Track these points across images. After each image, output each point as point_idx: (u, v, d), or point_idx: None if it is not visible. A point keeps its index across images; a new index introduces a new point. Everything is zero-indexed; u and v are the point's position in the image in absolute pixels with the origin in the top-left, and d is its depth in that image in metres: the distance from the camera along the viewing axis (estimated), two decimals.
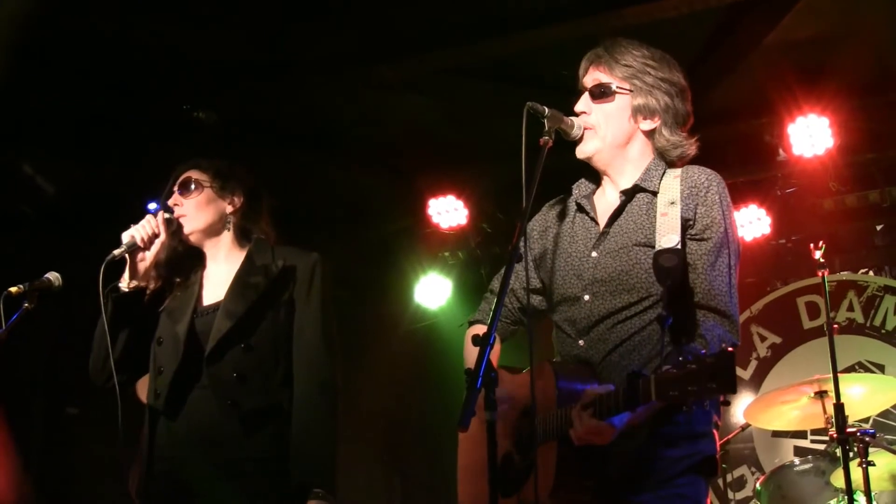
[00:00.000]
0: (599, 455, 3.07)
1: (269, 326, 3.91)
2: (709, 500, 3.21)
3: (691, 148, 3.37)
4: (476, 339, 2.76)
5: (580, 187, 3.45)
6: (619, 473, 3.10)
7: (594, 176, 3.44)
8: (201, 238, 4.07)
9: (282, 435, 3.80)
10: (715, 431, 3.21)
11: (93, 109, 6.63)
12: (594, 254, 3.28)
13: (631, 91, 3.30)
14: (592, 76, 3.36)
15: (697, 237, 3.15)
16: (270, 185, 4.34)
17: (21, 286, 3.89)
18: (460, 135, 7.27)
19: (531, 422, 3.16)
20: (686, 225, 3.15)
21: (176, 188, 4.08)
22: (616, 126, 3.31)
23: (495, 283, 3.64)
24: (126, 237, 3.89)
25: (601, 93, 3.31)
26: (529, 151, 3.09)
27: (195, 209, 4.04)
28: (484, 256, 8.31)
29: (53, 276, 4.01)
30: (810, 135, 6.70)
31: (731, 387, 2.60)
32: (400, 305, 8.60)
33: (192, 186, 4.06)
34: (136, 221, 3.99)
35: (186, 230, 4.03)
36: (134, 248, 3.88)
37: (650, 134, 3.33)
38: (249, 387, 3.82)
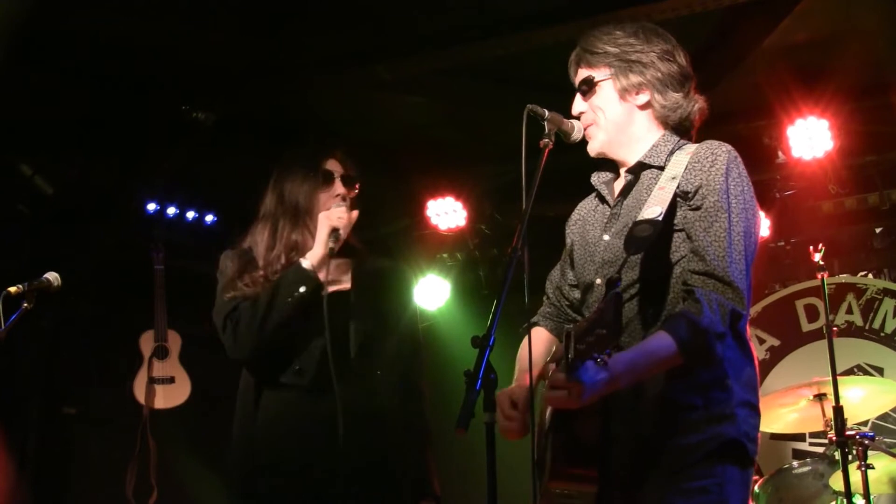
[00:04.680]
0: (602, 442, 3.00)
1: (385, 330, 4.06)
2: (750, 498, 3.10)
3: (693, 105, 3.32)
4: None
5: (599, 175, 3.42)
6: (627, 463, 3.03)
7: (612, 165, 3.41)
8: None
9: (383, 438, 3.90)
10: (741, 412, 3.02)
11: (91, 110, 6.62)
12: (606, 237, 3.24)
13: (612, 75, 3.28)
14: (578, 76, 3.37)
15: (693, 206, 3.07)
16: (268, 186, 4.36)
17: (20, 286, 3.91)
18: (459, 136, 7.28)
19: (531, 414, 3.15)
20: (685, 198, 3.08)
21: (339, 178, 4.11)
22: (611, 112, 3.29)
23: (549, 288, 3.61)
24: (334, 233, 3.97)
25: (586, 88, 3.31)
26: (529, 154, 3.09)
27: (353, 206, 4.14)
28: (482, 258, 8.32)
29: (52, 276, 4.04)
30: (809, 137, 6.69)
31: (614, 329, 2.55)
32: None
33: (358, 182, 4.14)
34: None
35: (343, 225, 4.06)
36: (338, 239, 3.99)
37: (647, 106, 3.29)
38: (376, 384, 3.94)
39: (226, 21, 5.85)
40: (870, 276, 7.57)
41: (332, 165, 4.14)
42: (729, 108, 6.77)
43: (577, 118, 3.33)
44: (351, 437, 3.77)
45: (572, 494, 3.05)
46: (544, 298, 3.63)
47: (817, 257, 5.49)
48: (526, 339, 3.49)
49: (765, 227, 7.34)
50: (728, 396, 3.02)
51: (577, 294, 3.45)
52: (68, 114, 6.65)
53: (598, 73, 3.29)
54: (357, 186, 4.15)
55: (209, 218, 7.93)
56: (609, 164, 3.42)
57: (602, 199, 3.38)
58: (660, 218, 2.95)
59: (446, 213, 7.84)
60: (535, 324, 3.58)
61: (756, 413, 3.09)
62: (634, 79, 3.26)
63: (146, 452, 7.23)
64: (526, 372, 3.25)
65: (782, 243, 7.70)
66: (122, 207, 7.71)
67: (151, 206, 7.72)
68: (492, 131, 6.72)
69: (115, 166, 7.28)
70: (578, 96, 3.34)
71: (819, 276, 5.51)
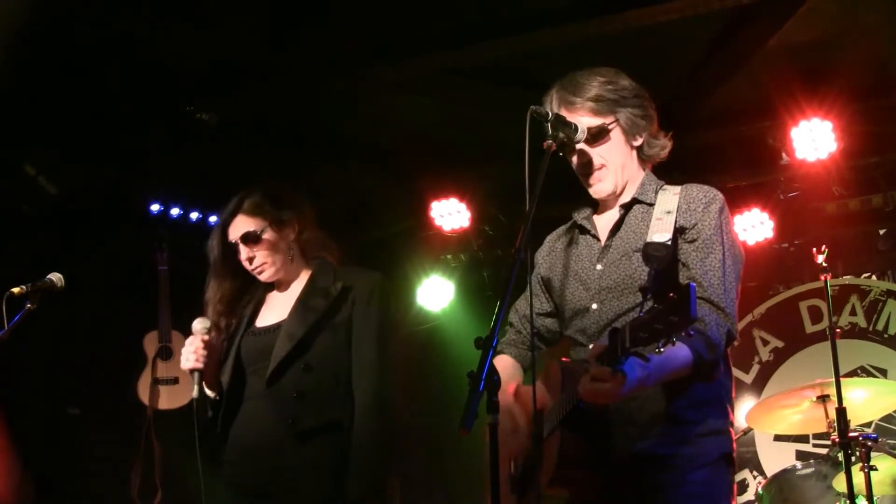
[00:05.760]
0: (604, 448, 3.13)
1: (328, 346, 4.04)
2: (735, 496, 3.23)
3: (669, 142, 3.49)
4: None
5: (580, 211, 3.54)
6: (626, 469, 3.13)
7: (590, 197, 3.51)
8: (278, 274, 4.17)
9: (340, 449, 3.92)
10: (731, 430, 3.25)
11: (94, 109, 6.63)
12: (599, 266, 3.36)
13: (617, 121, 3.36)
14: (575, 122, 3.37)
15: (689, 239, 3.24)
16: None
17: (23, 287, 3.92)
18: (463, 137, 7.27)
19: (538, 419, 3.23)
20: (681, 232, 3.24)
21: (239, 241, 4.12)
22: (620, 157, 3.40)
23: (514, 317, 3.74)
24: (194, 374, 3.99)
25: (596, 136, 3.36)
26: (532, 155, 3.11)
27: (270, 255, 4.13)
28: (486, 259, 8.32)
29: (56, 276, 4.05)
30: (813, 139, 6.69)
31: (688, 316, 2.59)
32: (402, 308, 8.59)
33: (261, 236, 4.11)
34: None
35: (267, 277, 4.15)
36: (203, 376, 4.00)
37: (639, 148, 3.44)
38: (309, 405, 3.96)
39: (230, 22, 5.85)
40: (873, 277, 7.56)
41: (235, 227, 4.16)
42: (733, 110, 6.78)
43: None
44: (257, 463, 3.97)
45: (564, 498, 3.13)
46: (507, 327, 3.75)
47: (820, 259, 5.48)
48: (497, 360, 3.58)
49: (768, 228, 7.34)
50: (722, 414, 3.24)
51: (546, 322, 3.63)
52: (72, 114, 6.65)
53: (608, 121, 3.36)
54: (266, 235, 4.12)
55: (213, 219, 7.93)
56: (588, 199, 3.52)
57: (583, 231, 3.49)
58: (669, 242, 3.14)
59: (450, 214, 7.85)
60: (500, 352, 3.69)
61: (732, 430, 3.30)
62: (639, 122, 3.40)
63: (150, 453, 7.24)
64: (508, 383, 3.40)
65: (786, 245, 7.69)
66: (125, 208, 7.71)
67: (155, 207, 7.73)
68: (495, 132, 6.71)
69: (119, 167, 7.28)
70: (583, 145, 3.37)
71: (822, 278, 5.50)
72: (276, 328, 4.08)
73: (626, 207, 3.39)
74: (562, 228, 3.65)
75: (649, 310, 2.72)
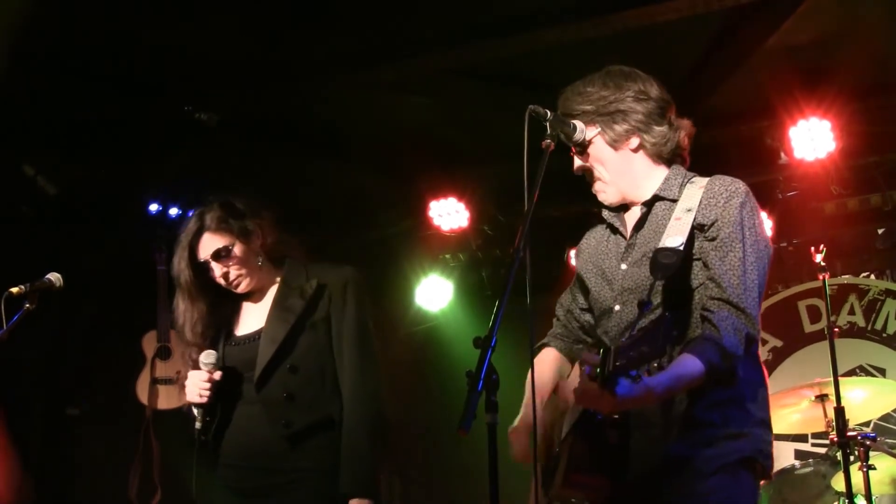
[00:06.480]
0: (617, 453, 3.12)
1: (310, 345, 4.05)
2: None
3: (679, 133, 3.42)
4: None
5: (609, 209, 3.51)
6: (644, 475, 3.12)
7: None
8: (252, 284, 4.17)
9: (332, 445, 3.95)
10: (756, 430, 3.17)
11: (94, 109, 6.63)
12: (623, 266, 3.34)
13: (599, 130, 3.34)
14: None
15: (709, 237, 3.18)
16: (271, 186, 4.36)
17: (22, 287, 3.92)
18: (462, 137, 7.27)
19: (560, 416, 3.27)
20: (701, 230, 3.19)
21: (210, 259, 4.09)
22: (611, 165, 3.37)
23: (559, 310, 3.73)
24: (196, 408, 4.01)
25: (581, 148, 3.36)
26: (531, 154, 3.11)
27: (243, 267, 4.12)
28: (485, 259, 8.33)
29: (55, 276, 4.05)
30: (812, 138, 6.70)
31: (658, 349, 2.61)
32: (400, 307, 8.60)
33: (232, 250, 4.09)
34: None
35: (243, 289, 4.14)
36: (205, 410, 4.02)
37: (640, 148, 3.38)
38: (299, 405, 3.98)
39: (230, 22, 5.85)
40: (872, 276, 7.58)
41: (203, 246, 4.11)
42: (731, 109, 6.79)
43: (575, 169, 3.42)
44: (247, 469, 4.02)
45: (579, 502, 3.13)
46: (554, 320, 3.75)
47: (819, 258, 5.49)
48: (543, 352, 3.65)
49: (767, 227, 7.33)
50: (744, 415, 3.16)
51: (587, 317, 3.60)
52: (72, 114, 6.65)
53: (587, 134, 3.35)
54: (236, 249, 4.09)
55: None
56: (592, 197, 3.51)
57: (614, 231, 3.47)
58: (681, 247, 3.08)
59: (449, 214, 7.85)
60: (546, 344, 3.71)
61: (769, 430, 3.23)
62: (620, 128, 3.34)
63: (149, 453, 7.24)
64: (537, 394, 3.34)
65: (785, 244, 7.71)
66: (124, 208, 7.71)
67: (154, 207, 7.73)
68: (494, 132, 6.72)
69: (118, 167, 7.28)
70: (576, 157, 3.40)
71: (821, 277, 5.51)
72: (256, 335, 4.09)
73: (648, 205, 3.35)
74: (599, 225, 3.61)
75: (629, 336, 2.69)
